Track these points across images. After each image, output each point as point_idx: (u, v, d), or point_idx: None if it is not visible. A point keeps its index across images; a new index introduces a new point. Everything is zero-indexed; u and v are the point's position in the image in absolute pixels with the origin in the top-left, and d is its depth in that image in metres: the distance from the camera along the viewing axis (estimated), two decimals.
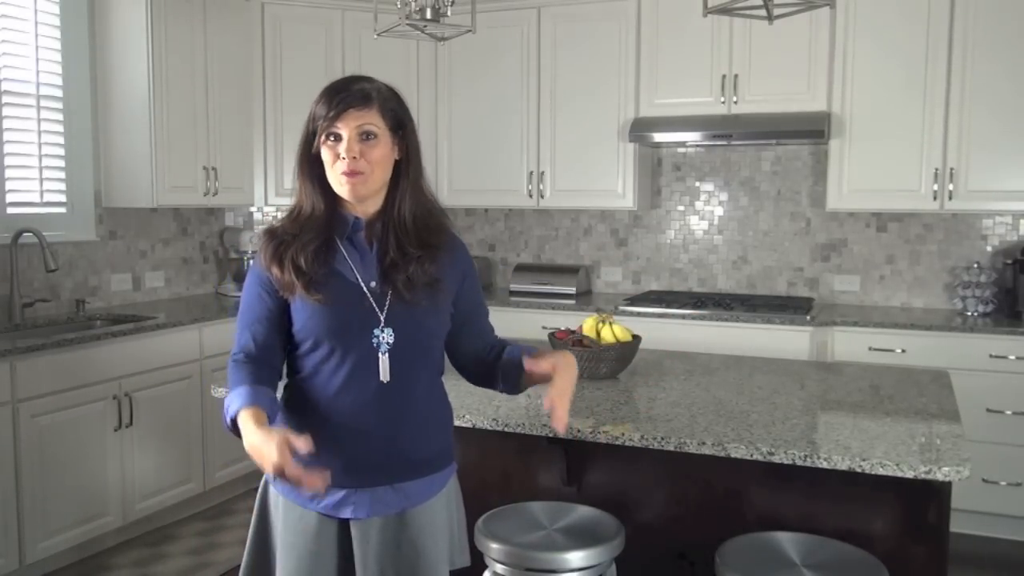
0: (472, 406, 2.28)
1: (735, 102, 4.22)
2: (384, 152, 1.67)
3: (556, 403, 1.67)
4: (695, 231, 4.74)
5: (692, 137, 4.33)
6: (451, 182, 4.85)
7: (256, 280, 1.72)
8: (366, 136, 1.65)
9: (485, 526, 2.10)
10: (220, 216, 4.96)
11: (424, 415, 1.74)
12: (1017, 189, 3.81)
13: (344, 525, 1.70)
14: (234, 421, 1.58)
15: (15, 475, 3.15)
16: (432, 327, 1.75)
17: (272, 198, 4.74)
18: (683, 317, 4.10)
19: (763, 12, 2.50)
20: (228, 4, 4.43)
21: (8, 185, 3.79)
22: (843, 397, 2.50)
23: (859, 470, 1.87)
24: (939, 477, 1.82)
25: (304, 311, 1.67)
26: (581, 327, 2.71)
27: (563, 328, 2.84)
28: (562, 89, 4.60)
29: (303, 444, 1.47)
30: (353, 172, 1.64)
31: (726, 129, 4.19)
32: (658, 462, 2.31)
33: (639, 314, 4.13)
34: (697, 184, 4.72)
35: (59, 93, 4.00)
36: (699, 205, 4.72)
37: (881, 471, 1.86)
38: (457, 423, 1.95)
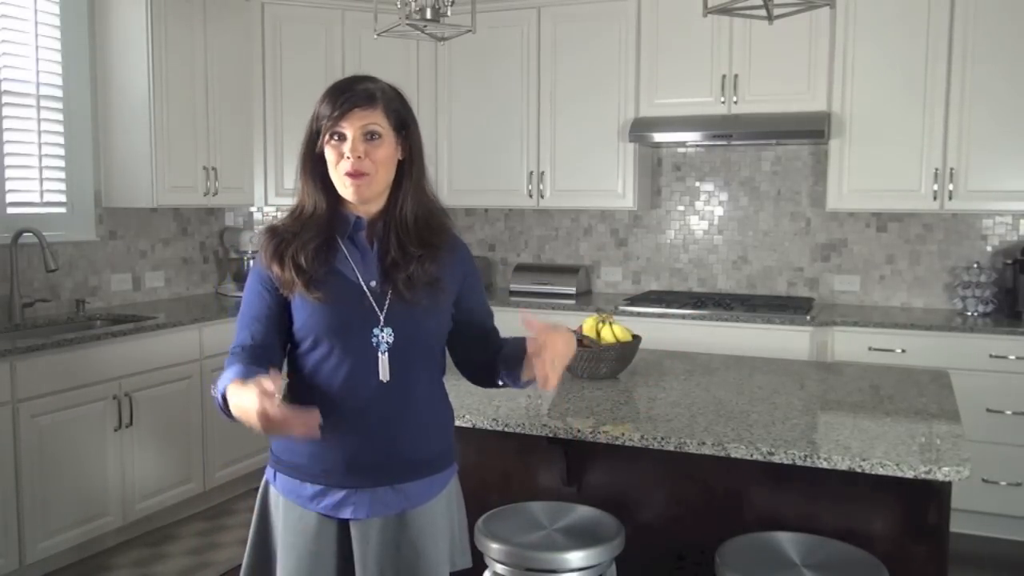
0: (472, 406, 2.28)
1: (735, 102, 4.22)
2: (388, 152, 1.67)
3: (548, 363, 1.57)
4: (695, 231, 4.74)
5: (692, 137, 4.33)
6: (451, 182, 4.85)
7: (257, 278, 1.72)
8: (370, 136, 1.65)
9: (485, 526, 2.10)
10: (220, 216, 4.96)
11: (425, 416, 1.73)
12: (1017, 189, 3.81)
13: (344, 525, 1.70)
14: (225, 401, 1.54)
15: (15, 475, 3.15)
16: (432, 327, 1.74)
17: (272, 198, 4.73)
18: (683, 317, 4.10)
19: (763, 12, 2.50)
20: (228, 4, 4.43)
21: (8, 185, 3.79)
22: (843, 397, 2.50)
23: (859, 470, 1.87)
24: (939, 477, 1.82)
25: (304, 309, 1.67)
26: (581, 327, 2.70)
27: None
28: (562, 89, 4.60)
29: (312, 419, 1.44)
30: (357, 172, 1.64)
31: (726, 129, 4.19)
32: (658, 462, 2.31)
33: (639, 314, 4.13)
34: (697, 184, 4.72)
35: (59, 93, 4.00)
36: (699, 205, 4.72)
37: (881, 471, 1.86)
38: (457, 423, 1.95)
